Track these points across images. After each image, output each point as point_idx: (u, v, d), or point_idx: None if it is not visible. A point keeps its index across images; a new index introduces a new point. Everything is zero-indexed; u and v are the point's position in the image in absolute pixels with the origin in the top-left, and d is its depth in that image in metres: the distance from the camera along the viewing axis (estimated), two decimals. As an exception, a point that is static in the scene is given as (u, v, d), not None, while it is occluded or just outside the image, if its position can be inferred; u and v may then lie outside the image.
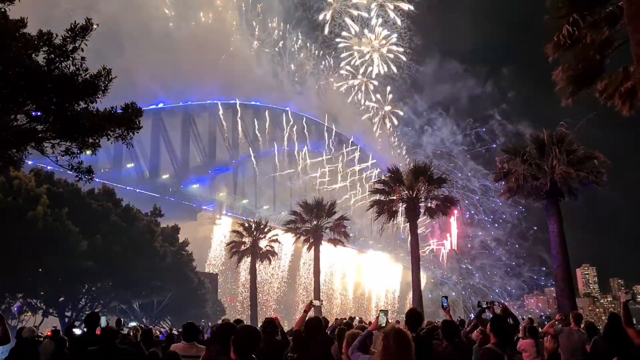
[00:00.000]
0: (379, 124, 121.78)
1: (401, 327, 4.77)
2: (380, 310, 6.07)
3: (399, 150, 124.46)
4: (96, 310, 39.40)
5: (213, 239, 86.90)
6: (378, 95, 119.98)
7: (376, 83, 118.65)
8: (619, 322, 7.46)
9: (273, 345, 7.38)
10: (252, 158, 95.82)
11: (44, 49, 11.69)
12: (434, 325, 10.27)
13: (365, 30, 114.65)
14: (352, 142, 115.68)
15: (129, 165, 78.69)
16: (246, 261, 49.09)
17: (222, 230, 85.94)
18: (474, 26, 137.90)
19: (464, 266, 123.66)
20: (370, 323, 7.16)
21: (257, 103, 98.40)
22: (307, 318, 7.99)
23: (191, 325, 8.04)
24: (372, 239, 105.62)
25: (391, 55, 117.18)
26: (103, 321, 9.41)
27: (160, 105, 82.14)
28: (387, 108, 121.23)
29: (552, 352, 10.49)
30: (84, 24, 11.79)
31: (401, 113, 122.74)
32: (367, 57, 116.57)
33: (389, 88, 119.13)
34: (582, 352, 9.60)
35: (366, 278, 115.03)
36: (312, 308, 8.80)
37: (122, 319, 18.66)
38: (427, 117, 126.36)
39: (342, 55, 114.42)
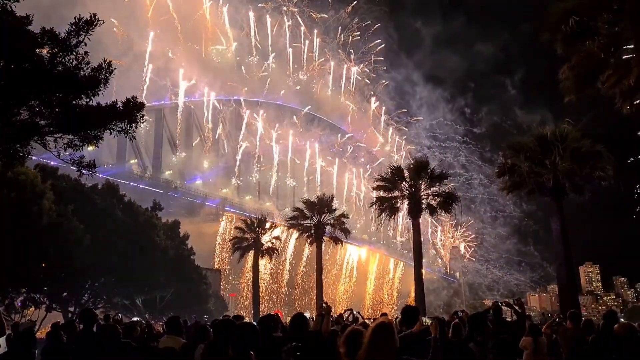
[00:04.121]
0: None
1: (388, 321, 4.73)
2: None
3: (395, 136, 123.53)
4: (99, 306, 39.67)
5: (216, 235, 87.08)
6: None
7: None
8: (615, 320, 7.47)
9: (272, 342, 7.41)
10: (255, 154, 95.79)
11: (48, 44, 11.66)
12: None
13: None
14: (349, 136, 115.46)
15: (132, 161, 78.79)
16: (249, 258, 49.22)
17: (225, 226, 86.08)
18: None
19: (466, 263, 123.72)
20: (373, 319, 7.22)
21: (260, 100, 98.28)
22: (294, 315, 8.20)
23: (174, 319, 8.25)
24: (373, 235, 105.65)
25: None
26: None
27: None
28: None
29: (550, 348, 10.50)
30: (89, 18, 11.74)
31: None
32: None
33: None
34: (580, 350, 9.60)
35: (367, 275, 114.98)
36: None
37: (110, 315, 18.95)
38: (424, 94, 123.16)
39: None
